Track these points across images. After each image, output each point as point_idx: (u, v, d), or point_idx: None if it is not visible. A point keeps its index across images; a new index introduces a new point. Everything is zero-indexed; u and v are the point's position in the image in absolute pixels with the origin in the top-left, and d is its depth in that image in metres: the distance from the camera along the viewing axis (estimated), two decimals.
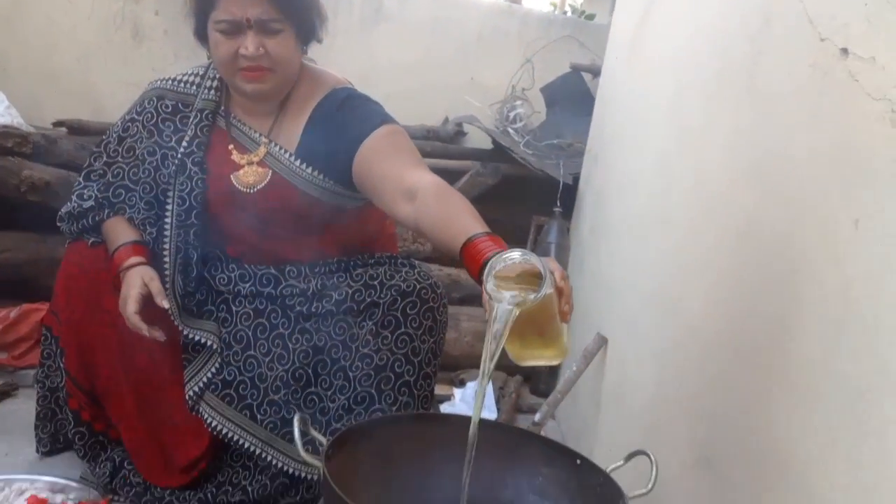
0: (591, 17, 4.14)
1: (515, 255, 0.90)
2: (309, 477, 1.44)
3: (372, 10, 3.06)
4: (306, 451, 0.88)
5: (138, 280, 1.42)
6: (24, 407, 1.87)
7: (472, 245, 1.03)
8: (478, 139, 2.84)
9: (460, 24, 3.12)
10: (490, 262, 0.91)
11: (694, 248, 1.23)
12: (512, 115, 2.77)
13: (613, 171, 2.03)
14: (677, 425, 1.16)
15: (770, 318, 0.90)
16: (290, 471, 1.43)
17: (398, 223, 1.50)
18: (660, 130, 1.56)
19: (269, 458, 1.43)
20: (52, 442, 1.61)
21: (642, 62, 1.90)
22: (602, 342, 1.71)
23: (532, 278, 0.89)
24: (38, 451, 1.62)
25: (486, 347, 0.89)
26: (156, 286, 1.43)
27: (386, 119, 1.42)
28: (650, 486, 0.90)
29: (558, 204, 2.47)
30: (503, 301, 0.87)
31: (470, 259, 1.02)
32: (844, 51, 0.82)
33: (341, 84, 1.51)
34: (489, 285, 0.89)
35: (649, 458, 0.94)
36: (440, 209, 1.18)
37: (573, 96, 2.80)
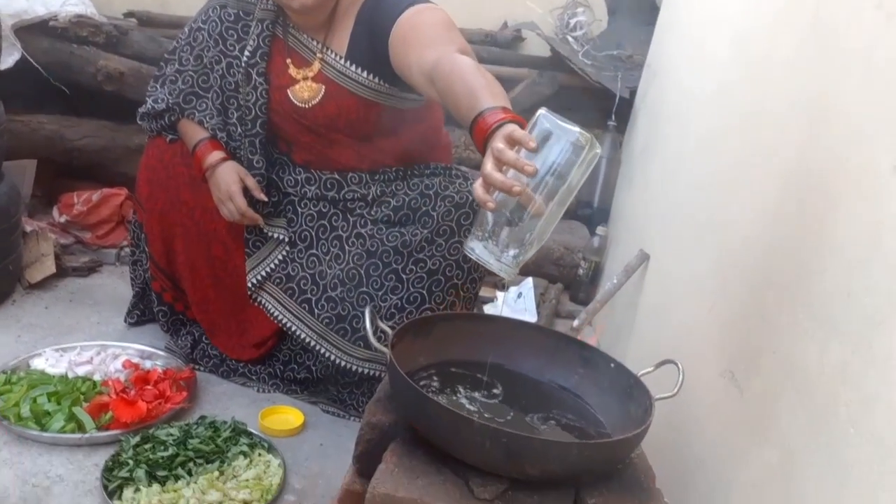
0: None
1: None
2: (356, 369, 1.51)
3: None
4: (377, 339, 1.00)
5: (234, 175, 1.52)
6: (109, 282, 2.06)
7: (477, 125, 1.01)
8: (536, 46, 2.76)
9: None
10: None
11: (744, 178, 1.23)
12: (573, 22, 2.68)
13: (671, 90, 1.98)
14: (707, 341, 1.22)
15: (804, 251, 0.95)
16: (341, 363, 1.52)
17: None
18: (722, 55, 1.52)
19: (321, 349, 1.53)
20: (139, 315, 1.79)
21: None
22: (644, 258, 1.76)
23: None
24: (125, 321, 1.80)
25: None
26: (251, 181, 1.53)
27: (412, 2, 1.37)
28: (676, 390, 0.99)
29: (612, 118, 2.47)
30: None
31: (477, 140, 1.01)
32: None
33: None
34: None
35: (677, 366, 1.02)
36: (450, 88, 1.14)
37: (637, 4, 2.68)
